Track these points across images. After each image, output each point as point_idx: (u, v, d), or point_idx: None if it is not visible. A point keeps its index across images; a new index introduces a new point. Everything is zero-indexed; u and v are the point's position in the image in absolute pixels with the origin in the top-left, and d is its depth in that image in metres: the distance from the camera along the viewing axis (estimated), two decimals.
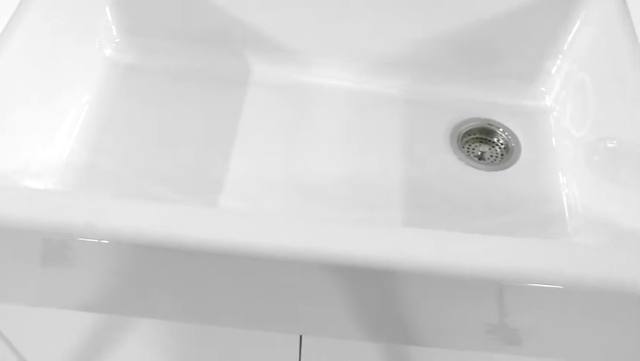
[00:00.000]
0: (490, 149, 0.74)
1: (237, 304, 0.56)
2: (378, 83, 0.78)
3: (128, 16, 0.77)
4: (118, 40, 0.78)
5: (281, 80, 0.78)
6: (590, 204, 0.66)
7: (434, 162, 0.72)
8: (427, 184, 0.70)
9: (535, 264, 0.49)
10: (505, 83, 0.78)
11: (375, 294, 0.52)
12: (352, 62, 0.78)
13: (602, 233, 0.63)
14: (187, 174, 0.70)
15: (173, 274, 0.54)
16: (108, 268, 0.54)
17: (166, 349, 0.69)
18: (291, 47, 0.78)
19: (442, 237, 0.51)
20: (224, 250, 0.49)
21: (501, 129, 0.75)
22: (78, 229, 0.50)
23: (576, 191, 0.68)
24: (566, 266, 0.49)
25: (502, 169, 0.72)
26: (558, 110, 0.75)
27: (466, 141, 0.75)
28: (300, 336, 0.64)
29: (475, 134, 0.75)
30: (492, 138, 0.75)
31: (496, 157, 0.74)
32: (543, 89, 0.77)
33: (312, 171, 0.70)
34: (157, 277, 0.54)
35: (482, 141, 0.75)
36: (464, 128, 0.75)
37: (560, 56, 0.75)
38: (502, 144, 0.75)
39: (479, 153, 0.74)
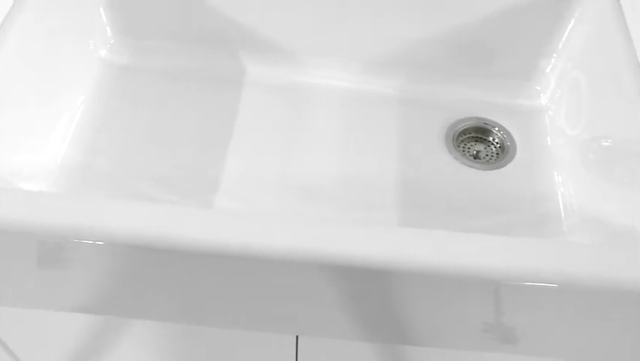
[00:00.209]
0: (485, 148, 0.75)
1: (234, 305, 0.56)
2: (374, 83, 0.78)
3: (122, 16, 0.77)
4: (112, 41, 0.78)
5: (276, 80, 0.78)
6: (585, 203, 0.66)
7: (430, 161, 0.72)
8: (423, 184, 0.70)
9: (531, 263, 0.49)
10: (500, 82, 0.78)
11: (372, 294, 0.52)
12: (348, 62, 0.78)
13: (597, 232, 0.63)
14: (183, 174, 0.70)
15: (169, 276, 0.53)
16: (104, 270, 0.53)
17: (161, 350, 0.69)
18: (287, 47, 0.78)
19: (438, 236, 0.51)
20: (220, 250, 0.49)
21: (496, 128, 0.75)
22: (73, 230, 0.49)
23: (571, 190, 0.68)
24: (561, 265, 0.49)
25: (497, 168, 0.72)
26: (553, 109, 0.75)
27: (462, 140, 0.75)
28: (297, 337, 0.64)
29: (470, 134, 0.75)
30: (487, 137, 0.75)
31: (492, 156, 0.74)
32: (538, 88, 0.77)
33: (309, 172, 0.70)
34: (153, 278, 0.54)
35: (478, 140, 0.75)
36: (460, 128, 0.75)
37: (555, 55, 0.75)
38: (497, 143, 0.75)
39: (475, 152, 0.74)
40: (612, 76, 0.66)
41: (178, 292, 0.56)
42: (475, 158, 0.73)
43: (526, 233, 0.66)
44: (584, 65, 0.71)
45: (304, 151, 0.72)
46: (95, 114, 0.73)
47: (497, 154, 0.74)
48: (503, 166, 0.72)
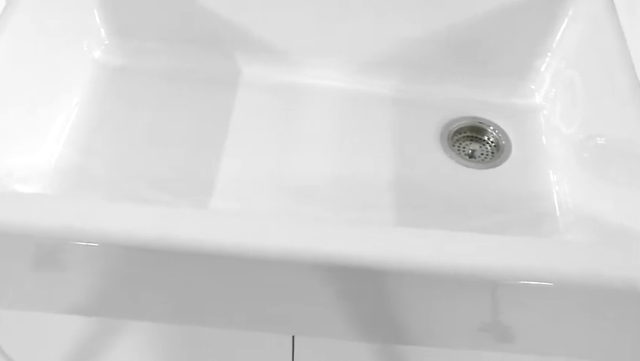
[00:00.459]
0: (480, 147, 0.75)
1: (229, 305, 0.56)
2: (369, 83, 0.78)
3: (116, 18, 0.77)
4: (107, 42, 0.78)
5: (271, 80, 0.78)
6: (580, 202, 0.66)
7: (425, 161, 0.72)
8: (418, 183, 0.70)
9: (527, 262, 0.49)
10: (495, 82, 0.78)
11: (367, 294, 0.52)
12: (343, 62, 0.78)
13: (592, 230, 0.63)
14: (178, 175, 0.69)
15: (164, 277, 0.53)
16: (99, 272, 0.53)
17: (157, 351, 0.69)
18: (282, 47, 0.78)
19: (434, 236, 0.51)
20: (216, 251, 0.49)
21: (491, 127, 0.75)
22: (68, 232, 0.49)
23: (566, 188, 0.69)
24: (556, 264, 0.49)
25: (492, 167, 0.72)
26: (548, 108, 0.75)
27: (457, 140, 0.75)
28: (293, 337, 0.64)
29: (465, 133, 0.75)
30: (482, 136, 0.75)
31: (487, 155, 0.74)
32: (533, 87, 0.77)
33: (304, 172, 0.70)
34: (148, 279, 0.54)
35: (473, 140, 0.75)
36: (455, 127, 0.75)
37: (549, 54, 0.75)
38: (492, 142, 0.75)
39: (470, 151, 0.74)
40: (606, 74, 0.66)
41: (174, 293, 0.56)
42: (470, 157, 0.73)
43: (522, 232, 0.66)
44: (579, 64, 0.72)
45: (299, 151, 0.72)
46: (90, 116, 0.73)
47: (492, 153, 0.74)
48: (498, 165, 0.72)
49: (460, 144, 0.75)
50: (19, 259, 0.53)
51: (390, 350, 0.65)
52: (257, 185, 0.69)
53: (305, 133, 0.74)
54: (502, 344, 0.56)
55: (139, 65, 0.78)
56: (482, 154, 0.74)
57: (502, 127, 0.75)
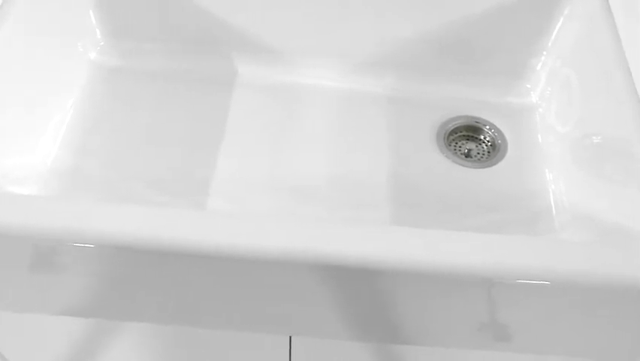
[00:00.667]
0: (476, 146, 0.75)
1: (226, 306, 0.56)
2: (365, 83, 0.78)
3: (112, 19, 0.77)
4: (102, 43, 0.78)
5: (267, 80, 0.78)
6: (576, 200, 0.66)
7: (421, 160, 0.72)
8: (415, 182, 0.70)
9: (523, 261, 0.49)
10: (490, 81, 0.78)
11: (364, 293, 0.52)
12: (339, 62, 0.78)
13: (588, 229, 0.63)
14: (174, 176, 0.69)
15: (161, 277, 0.53)
16: (95, 273, 0.53)
17: (154, 352, 0.69)
18: (277, 47, 0.78)
19: (430, 235, 0.51)
20: (213, 251, 0.49)
21: (487, 127, 0.75)
22: (64, 233, 0.49)
23: (562, 187, 0.69)
24: (553, 262, 0.49)
25: (488, 166, 0.72)
26: (544, 107, 0.76)
27: (453, 139, 0.75)
28: (290, 337, 0.64)
29: (461, 132, 0.75)
30: (478, 135, 0.75)
31: (483, 154, 0.74)
32: (528, 85, 0.77)
33: (300, 171, 0.70)
34: (145, 280, 0.54)
35: (469, 139, 0.75)
36: (450, 126, 0.75)
37: (545, 53, 0.75)
38: (488, 141, 0.75)
39: (466, 150, 0.74)
40: (602, 73, 0.66)
41: (171, 293, 0.56)
42: (466, 156, 0.73)
43: (518, 231, 0.66)
44: (574, 63, 0.72)
45: (296, 151, 0.72)
46: (85, 117, 0.73)
47: (488, 152, 0.74)
48: (494, 164, 0.72)
49: (456, 143, 0.75)
50: (14, 261, 0.53)
51: (387, 349, 0.65)
52: (253, 185, 0.69)
53: (302, 133, 0.74)
54: (499, 343, 0.56)
55: (135, 65, 0.78)
56: (478, 153, 0.74)
57: (498, 126, 0.75)
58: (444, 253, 0.49)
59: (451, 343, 0.58)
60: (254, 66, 0.78)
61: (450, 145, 0.74)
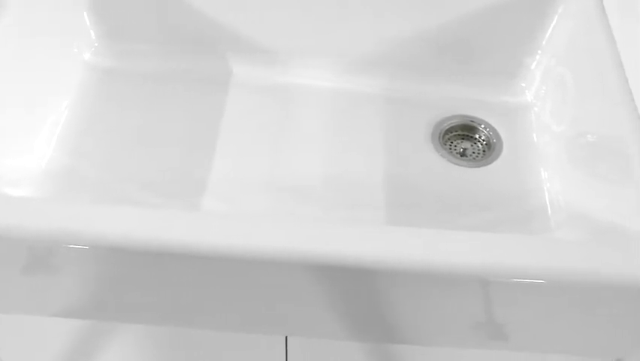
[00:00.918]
0: (472, 145, 0.75)
1: (222, 306, 0.56)
2: (360, 83, 0.78)
3: (106, 20, 0.77)
4: (97, 44, 0.78)
5: (262, 81, 0.78)
6: (571, 199, 0.66)
7: (417, 159, 0.72)
8: (410, 182, 0.70)
9: (519, 260, 0.50)
10: (485, 80, 0.78)
11: (361, 293, 0.52)
12: (334, 62, 0.78)
13: (584, 228, 0.63)
14: (170, 177, 0.69)
15: (157, 279, 0.53)
16: (90, 275, 0.53)
17: (150, 353, 0.69)
18: (272, 47, 0.78)
19: (426, 234, 0.51)
20: (208, 252, 0.49)
21: (482, 126, 0.75)
22: (58, 235, 0.49)
23: (558, 186, 0.69)
24: (548, 261, 0.49)
25: (484, 165, 0.72)
26: (539, 106, 0.76)
27: (448, 138, 0.75)
28: (286, 337, 0.64)
29: (456, 131, 0.76)
30: (474, 134, 0.75)
31: (478, 154, 0.74)
32: (523, 84, 0.77)
33: (296, 172, 0.70)
34: (141, 281, 0.54)
35: (464, 138, 0.75)
36: (446, 126, 0.75)
37: (539, 52, 0.75)
38: (483, 140, 0.75)
39: (461, 149, 0.74)
40: (596, 72, 0.66)
41: (166, 294, 0.55)
42: (461, 156, 0.73)
43: (514, 230, 0.67)
44: (569, 61, 0.72)
45: (292, 151, 0.72)
46: (80, 118, 0.73)
47: (484, 151, 0.74)
48: (490, 163, 0.72)
49: (452, 142, 0.75)
50: (9, 263, 0.52)
51: (383, 349, 0.65)
52: (248, 185, 0.69)
53: (298, 133, 0.73)
54: (496, 342, 0.57)
55: (129, 66, 0.78)
56: (474, 152, 0.74)
57: (493, 125, 0.75)
58: (440, 252, 0.49)
59: (448, 342, 0.58)
60: (249, 66, 0.78)
61: (445, 144, 0.74)
